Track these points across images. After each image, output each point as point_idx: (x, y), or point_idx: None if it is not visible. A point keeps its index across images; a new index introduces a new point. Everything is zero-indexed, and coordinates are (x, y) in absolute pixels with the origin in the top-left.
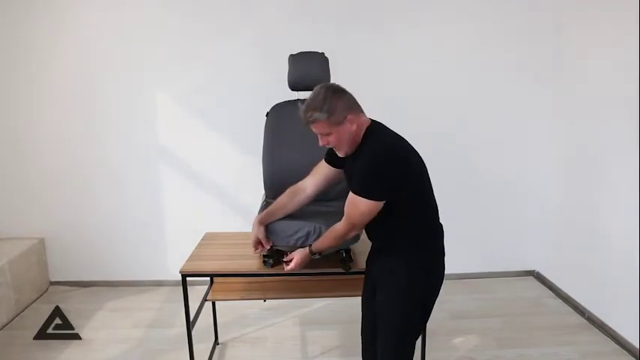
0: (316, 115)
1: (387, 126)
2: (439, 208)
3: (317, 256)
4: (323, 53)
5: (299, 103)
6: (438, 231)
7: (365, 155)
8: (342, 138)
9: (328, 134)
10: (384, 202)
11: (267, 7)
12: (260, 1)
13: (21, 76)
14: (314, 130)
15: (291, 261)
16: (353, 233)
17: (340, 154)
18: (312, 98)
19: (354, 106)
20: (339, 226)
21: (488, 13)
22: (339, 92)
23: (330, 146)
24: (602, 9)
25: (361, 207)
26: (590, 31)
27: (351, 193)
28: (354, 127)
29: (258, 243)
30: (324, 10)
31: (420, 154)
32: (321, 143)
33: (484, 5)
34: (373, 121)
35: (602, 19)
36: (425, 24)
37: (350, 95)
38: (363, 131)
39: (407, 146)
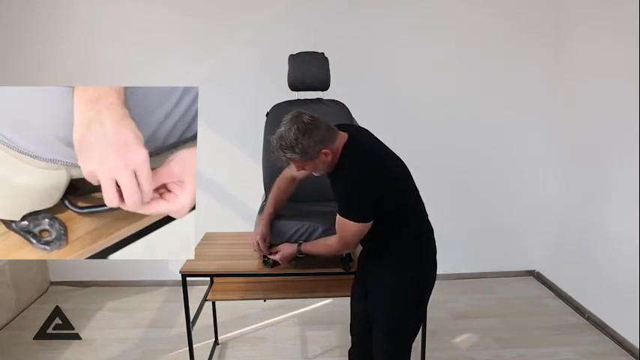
0: (289, 155)
1: (368, 130)
2: (438, 209)
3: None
4: (323, 53)
5: (298, 104)
6: (427, 231)
7: (342, 179)
8: (317, 167)
9: (304, 166)
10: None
11: (267, 7)
12: (260, 1)
13: (20, 76)
14: (290, 162)
15: (277, 253)
16: (346, 251)
17: (317, 175)
18: (283, 137)
19: (327, 138)
20: (333, 242)
21: (489, 11)
22: (310, 128)
23: (308, 172)
24: (603, 8)
25: (350, 228)
26: (590, 30)
27: (338, 215)
28: (330, 157)
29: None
30: (324, 10)
31: (419, 154)
32: (296, 171)
33: (485, 4)
34: (350, 137)
35: (603, 18)
36: (425, 24)
37: (322, 126)
38: (340, 151)
39: (384, 157)
